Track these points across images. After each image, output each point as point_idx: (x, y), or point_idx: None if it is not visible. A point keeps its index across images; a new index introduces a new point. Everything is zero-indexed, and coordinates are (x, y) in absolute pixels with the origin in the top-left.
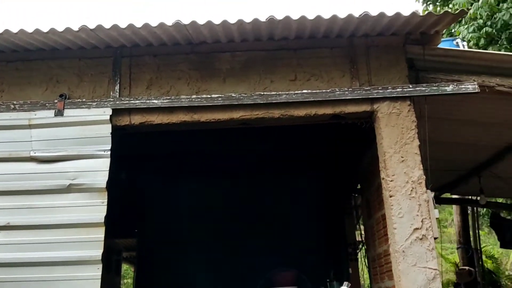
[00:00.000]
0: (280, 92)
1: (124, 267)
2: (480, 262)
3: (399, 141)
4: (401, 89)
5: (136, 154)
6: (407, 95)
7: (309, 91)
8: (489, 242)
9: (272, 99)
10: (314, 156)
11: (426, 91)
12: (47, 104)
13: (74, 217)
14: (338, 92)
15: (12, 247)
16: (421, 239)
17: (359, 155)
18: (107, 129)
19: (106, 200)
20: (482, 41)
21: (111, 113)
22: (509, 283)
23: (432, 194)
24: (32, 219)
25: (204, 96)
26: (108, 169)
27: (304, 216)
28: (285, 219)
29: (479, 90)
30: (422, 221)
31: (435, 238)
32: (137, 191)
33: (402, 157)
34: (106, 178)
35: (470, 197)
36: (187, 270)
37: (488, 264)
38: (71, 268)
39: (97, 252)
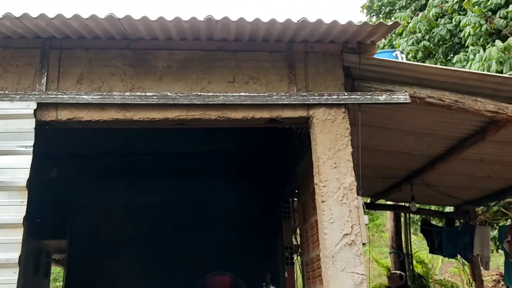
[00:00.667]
0: (217, 94)
1: (56, 269)
2: (411, 267)
3: (332, 147)
4: (336, 96)
5: (68, 153)
6: (342, 102)
7: (247, 94)
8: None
9: (209, 100)
10: (253, 159)
11: (360, 99)
12: None
13: None
14: (275, 97)
15: None
16: (350, 244)
17: (296, 159)
18: (30, 124)
19: (26, 200)
20: (420, 54)
21: (35, 107)
22: (437, 286)
23: (362, 201)
24: None
25: (138, 94)
26: (29, 166)
27: (241, 219)
28: (222, 221)
29: (410, 101)
30: (352, 227)
31: (363, 244)
32: (69, 190)
33: (335, 163)
34: (27, 176)
35: (403, 203)
36: (119, 272)
37: (418, 269)
38: None
39: (14, 254)
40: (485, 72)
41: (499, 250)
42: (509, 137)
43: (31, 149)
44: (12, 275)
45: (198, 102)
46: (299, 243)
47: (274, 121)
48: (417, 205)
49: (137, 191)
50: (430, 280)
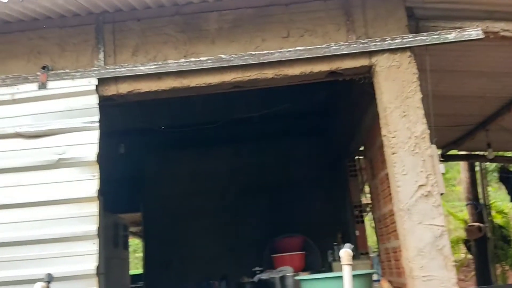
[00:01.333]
0: (272, 51)
1: (135, 241)
2: (489, 218)
3: (399, 95)
4: (400, 40)
5: (135, 129)
6: (407, 46)
7: (304, 47)
8: (498, 198)
9: (264, 59)
10: (313, 118)
11: (427, 40)
12: (29, 77)
13: (66, 193)
14: (334, 47)
15: (2, 227)
16: (426, 195)
17: (359, 114)
18: (93, 100)
19: (97, 174)
20: None
21: (96, 83)
22: None
23: (437, 149)
24: (22, 197)
25: (193, 59)
26: (97, 141)
27: (306, 180)
28: (289, 184)
29: (483, 36)
30: (427, 177)
31: (441, 194)
32: (139, 165)
33: (403, 111)
34: (96, 150)
35: (477, 152)
36: (193, 239)
37: (498, 219)
38: (66, 244)
39: (92, 227)
40: None
41: None
42: None
43: (97, 124)
44: (92, 246)
45: (254, 62)
46: (369, 200)
47: (334, 73)
48: (494, 153)
49: (203, 160)
50: None
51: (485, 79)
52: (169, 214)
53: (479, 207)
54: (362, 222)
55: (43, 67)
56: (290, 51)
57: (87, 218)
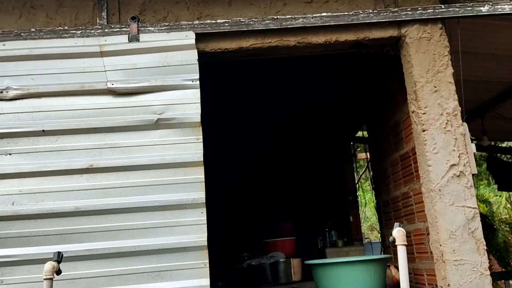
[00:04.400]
0: (296, 16)
1: None
2: None
3: (431, 69)
4: (432, 10)
5: None
6: (438, 16)
7: (330, 14)
8: (480, 186)
9: (287, 24)
10: (314, 103)
11: (460, 12)
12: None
13: (168, 156)
14: (362, 15)
15: (98, 192)
16: (458, 176)
17: (363, 95)
18: (192, 55)
19: (201, 137)
20: None
21: (194, 37)
22: (503, 227)
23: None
24: (118, 160)
25: (208, 21)
26: (199, 101)
27: (301, 164)
28: (280, 168)
29: None
30: (459, 157)
31: (473, 175)
32: None
33: (435, 86)
34: (199, 111)
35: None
36: None
37: (482, 208)
38: (171, 213)
39: (200, 194)
40: None
41: None
42: None
43: (198, 82)
44: (201, 215)
45: (275, 27)
46: (372, 184)
47: (359, 44)
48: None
49: None
50: (496, 220)
51: (494, 63)
52: None
53: None
54: (356, 208)
55: (132, 18)
56: (315, 17)
57: (193, 185)
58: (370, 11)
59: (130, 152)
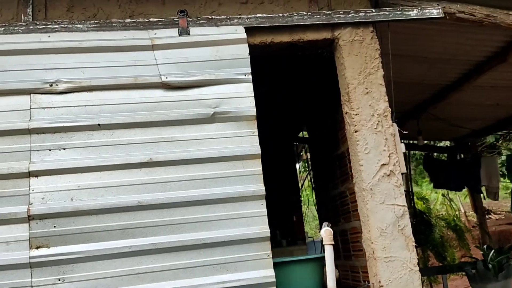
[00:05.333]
0: (231, 16)
1: None
2: (412, 204)
3: (362, 71)
4: (364, 14)
5: None
6: (370, 20)
7: (265, 15)
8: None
9: (222, 24)
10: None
11: (390, 15)
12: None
13: (226, 149)
14: (296, 17)
15: (159, 186)
16: (388, 175)
17: (303, 97)
18: (244, 50)
19: (256, 130)
20: None
21: (244, 31)
22: (439, 222)
23: (397, 128)
24: (177, 154)
25: (141, 20)
26: (253, 95)
27: None
28: None
29: (443, 15)
30: (389, 156)
31: (402, 174)
32: None
33: (366, 88)
34: (254, 105)
35: (407, 141)
36: None
37: (419, 205)
38: (232, 205)
39: (259, 186)
40: None
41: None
42: None
43: (250, 76)
44: (261, 207)
45: (210, 27)
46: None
47: (294, 46)
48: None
49: None
50: (432, 216)
51: (426, 66)
52: None
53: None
54: (299, 208)
55: (181, 12)
56: (250, 17)
57: (252, 177)
58: (305, 13)
59: (187, 145)
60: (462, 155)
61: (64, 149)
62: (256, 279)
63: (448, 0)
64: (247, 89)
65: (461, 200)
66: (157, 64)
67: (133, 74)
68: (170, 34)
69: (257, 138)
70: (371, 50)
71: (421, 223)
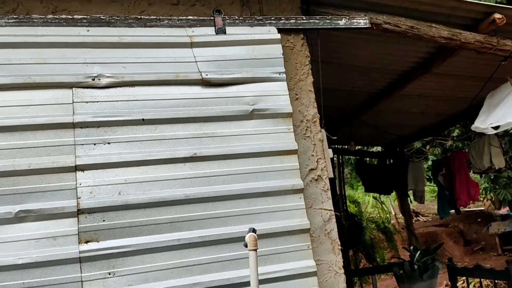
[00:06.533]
0: (161, 17)
1: None
2: (345, 207)
3: (293, 77)
4: (294, 21)
5: None
6: (300, 27)
7: (196, 17)
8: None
9: (151, 24)
10: None
11: (320, 24)
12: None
13: (265, 145)
14: (228, 21)
15: (203, 180)
16: (316, 180)
17: None
18: (278, 49)
19: (292, 127)
20: None
21: (277, 32)
22: (370, 225)
23: (326, 134)
24: (219, 149)
25: (64, 16)
26: (287, 93)
27: None
28: None
29: (370, 26)
30: (317, 162)
31: (330, 179)
32: None
33: (296, 94)
34: (289, 102)
35: (339, 146)
36: None
37: (352, 209)
38: (273, 199)
39: (298, 180)
40: None
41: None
42: (450, 69)
43: (284, 76)
44: (299, 201)
45: (139, 27)
46: None
47: None
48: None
49: None
50: (364, 219)
51: (357, 73)
52: None
53: (336, 197)
54: None
55: (217, 11)
56: (181, 19)
57: (290, 172)
58: (236, 17)
59: (228, 141)
60: (392, 160)
61: (108, 143)
62: (298, 269)
63: (375, 11)
64: (282, 87)
65: (392, 203)
66: (196, 62)
67: (174, 70)
68: (207, 32)
69: (293, 134)
70: (301, 57)
71: (353, 226)
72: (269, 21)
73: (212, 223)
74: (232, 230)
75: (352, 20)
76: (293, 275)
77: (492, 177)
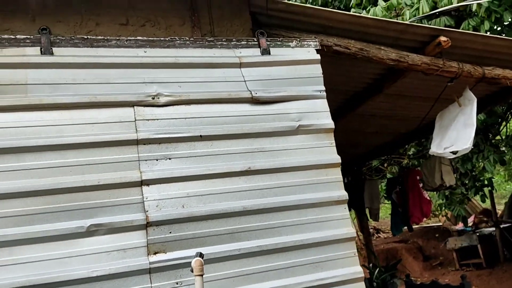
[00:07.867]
0: (109, 37)
1: None
2: None
3: None
4: (245, 42)
5: None
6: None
7: (145, 38)
8: None
9: (98, 45)
10: None
11: (271, 45)
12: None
13: (311, 158)
14: (178, 42)
15: (257, 193)
16: None
17: None
18: (318, 69)
19: (334, 141)
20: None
21: (316, 52)
22: None
23: None
24: (271, 163)
25: (6, 37)
26: (328, 110)
27: None
28: None
29: (320, 48)
30: None
31: None
32: None
33: None
34: (330, 118)
35: None
36: None
37: None
38: (320, 209)
39: (342, 192)
40: (388, 19)
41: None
42: (401, 90)
43: (324, 94)
44: (344, 211)
45: (85, 47)
46: None
47: None
48: None
49: None
50: None
51: None
52: None
53: None
54: None
55: (261, 33)
56: (130, 40)
57: (335, 184)
58: (187, 38)
59: (277, 155)
60: (349, 179)
61: (169, 159)
62: (347, 275)
63: (326, 34)
64: (323, 104)
65: (354, 221)
66: (244, 81)
67: (225, 89)
68: (253, 53)
69: (335, 148)
70: None
71: None
72: (220, 43)
73: (268, 233)
74: (287, 240)
75: (302, 42)
76: (343, 281)
77: (446, 194)
